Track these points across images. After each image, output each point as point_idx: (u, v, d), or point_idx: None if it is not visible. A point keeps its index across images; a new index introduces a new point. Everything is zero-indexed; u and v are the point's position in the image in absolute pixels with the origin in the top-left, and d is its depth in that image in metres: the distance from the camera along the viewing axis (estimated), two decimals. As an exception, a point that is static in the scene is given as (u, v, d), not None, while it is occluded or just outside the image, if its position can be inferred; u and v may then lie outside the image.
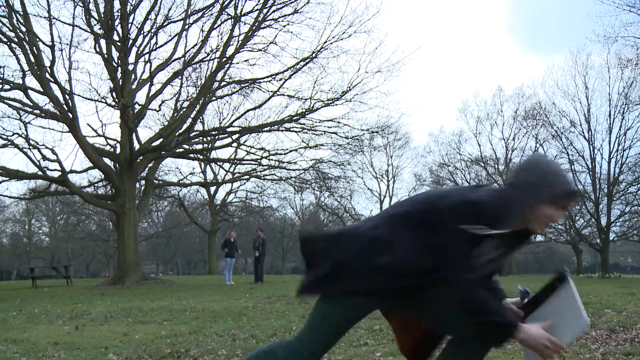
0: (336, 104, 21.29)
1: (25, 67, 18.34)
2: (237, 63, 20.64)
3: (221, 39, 19.88)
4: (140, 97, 21.93)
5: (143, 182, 23.93)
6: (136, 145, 20.67)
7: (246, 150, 24.39)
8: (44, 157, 20.22)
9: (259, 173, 25.06)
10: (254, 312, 9.41)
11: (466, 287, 2.19)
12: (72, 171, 21.65)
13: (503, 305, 2.39)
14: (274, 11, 19.72)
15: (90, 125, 22.10)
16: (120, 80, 19.51)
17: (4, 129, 19.82)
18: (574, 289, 2.33)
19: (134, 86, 20.19)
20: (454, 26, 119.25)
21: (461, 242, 2.19)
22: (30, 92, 18.89)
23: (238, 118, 23.20)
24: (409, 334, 2.56)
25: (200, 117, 23.28)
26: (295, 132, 21.97)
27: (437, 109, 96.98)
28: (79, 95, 20.29)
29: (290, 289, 14.99)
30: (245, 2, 20.34)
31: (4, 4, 17.96)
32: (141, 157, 20.56)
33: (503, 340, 2.30)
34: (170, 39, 20.24)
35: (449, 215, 2.21)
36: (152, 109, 21.43)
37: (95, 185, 27.18)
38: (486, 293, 2.26)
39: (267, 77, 20.74)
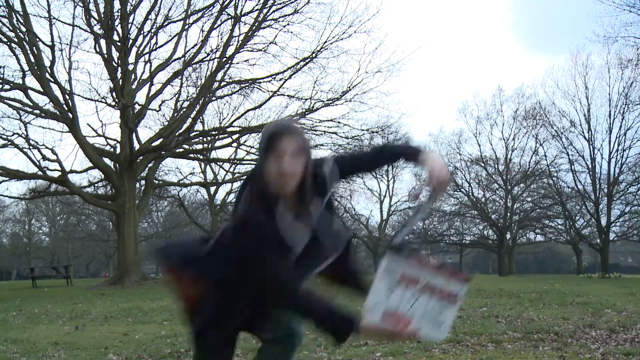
0: (336, 104, 21.30)
1: (25, 67, 18.34)
2: (237, 63, 20.66)
3: (221, 39, 19.90)
4: (140, 97, 21.93)
5: (143, 182, 23.93)
6: (136, 145, 20.66)
7: (246, 150, 24.42)
8: (44, 157, 20.23)
9: (259, 173, 25.02)
10: (254, 312, 9.39)
11: (291, 294, 2.08)
12: (72, 171, 21.66)
13: (333, 304, 2.09)
14: (274, 11, 19.73)
15: (90, 125, 22.13)
16: (120, 80, 19.50)
17: (4, 129, 19.85)
18: (383, 272, 1.99)
19: (134, 86, 20.19)
20: (455, 26, 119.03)
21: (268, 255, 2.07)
22: (30, 92, 18.89)
23: (238, 118, 23.24)
24: None
25: (200, 117, 23.28)
26: (295, 132, 21.95)
27: (437, 109, 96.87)
28: (79, 95, 20.32)
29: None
30: (245, 2, 20.36)
31: (4, 4, 17.97)
32: (141, 157, 20.56)
33: (343, 339, 2.06)
34: (170, 39, 20.26)
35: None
36: (152, 109, 21.45)
37: (95, 185, 27.18)
38: (312, 295, 2.09)
39: (267, 77, 20.74)
